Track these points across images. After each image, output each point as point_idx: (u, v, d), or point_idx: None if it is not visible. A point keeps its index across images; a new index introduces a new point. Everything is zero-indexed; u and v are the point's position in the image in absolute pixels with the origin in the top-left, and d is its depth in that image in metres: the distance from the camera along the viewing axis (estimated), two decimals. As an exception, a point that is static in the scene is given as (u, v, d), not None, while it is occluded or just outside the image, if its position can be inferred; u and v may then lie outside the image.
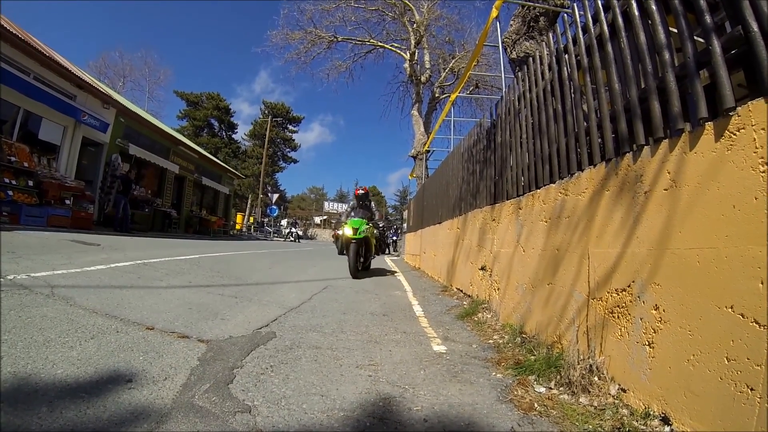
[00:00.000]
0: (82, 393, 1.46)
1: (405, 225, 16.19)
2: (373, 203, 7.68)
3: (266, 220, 34.99)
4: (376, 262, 11.53)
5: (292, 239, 25.43)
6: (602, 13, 2.26)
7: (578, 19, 2.56)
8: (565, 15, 4.23)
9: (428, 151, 14.65)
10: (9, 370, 1.57)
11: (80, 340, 2.01)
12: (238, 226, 29.91)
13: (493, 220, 4.01)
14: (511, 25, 5.31)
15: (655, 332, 1.61)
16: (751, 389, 1.18)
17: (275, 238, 27.18)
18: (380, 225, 6.97)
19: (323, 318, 3.25)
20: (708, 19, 1.53)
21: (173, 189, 18.28)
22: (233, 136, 49.87)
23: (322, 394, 1.72)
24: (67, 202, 9.94)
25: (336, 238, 6.62)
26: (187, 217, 19.29)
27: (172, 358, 1.94)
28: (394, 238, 19.79)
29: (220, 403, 1.52)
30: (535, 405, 1.74)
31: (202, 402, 1.51)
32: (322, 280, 5.77)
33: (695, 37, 1.63)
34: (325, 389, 1.77)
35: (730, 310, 1.29)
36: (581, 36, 2.47)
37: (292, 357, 2.18)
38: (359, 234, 6.33)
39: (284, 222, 33.46)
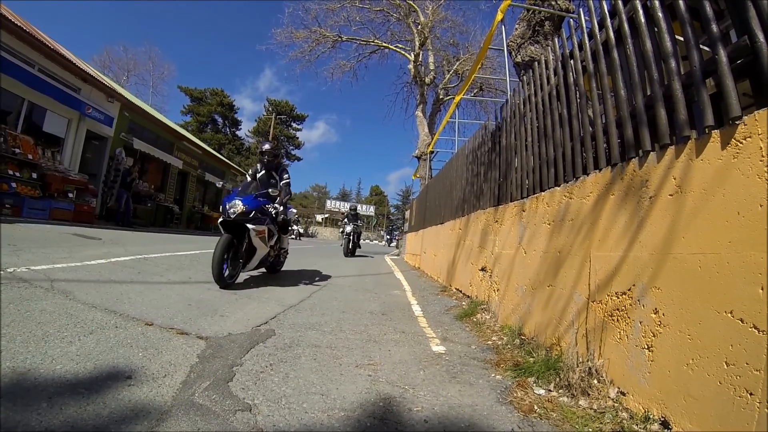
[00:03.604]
0: (81, 389, 1.47)
1: (407, 225, 16.18)
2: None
3: (267, 217, 34.96)
4: (376, 263, 11.49)
5: (293, 237, 25.48)
6: (608, 20, 2.26)
7: (584, 25, 2.55)
8: (571, 20, 4.23)
9: (432, 152, 14.64)
10: (8, 365, 1.57)
11: (79, 336, 2.02)
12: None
13: (496, 221, 4.01)
14: (516, 28, 5.31)
15: (654, 336, 1.61)
16: (751, 394, 1.19)
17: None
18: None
19: (322, 316, 3.25)
20: (714, 27, 1.53)
21: (176, 184, 18.30)
22: (237, 132, 50.00)
23: (322, 393, 1.72)
24: (70, 195, 9.95)
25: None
26: (189, 213, 19.31)
27: (171, 355, 1.94)
28: (388, 237, 20.44)
29: (220, 402, 1.52)
30: (535, 407, 1.74)
31: (202, 400, 1.51)
32: (322, 278, 5.77)
33: (701, 46, 1.63)
34: (325, 388, 1.78)
35: (729, 315, 1.30)
36: (587, 41, 2.47)
37: (292, 355, 2.18)
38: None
39: (285, 219, 33.54)
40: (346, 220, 12.72)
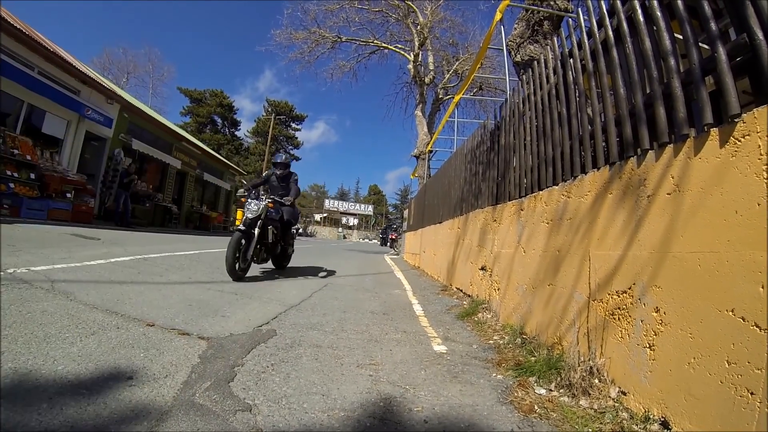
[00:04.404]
0: (82, 390, 1.47)
1: (405, 224, 16.18)
2: None
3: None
4: (376, 261, 11.48)
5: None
6: (607, 19, 2.26)
7: (583, 24, 2.56)
8: (570, 20, 4.23)
9: (431, 151, 14.65)
10: (9, 366, 1.57)
11: (81, 336, 2.02)
12: (237, 223, 29.93)
13: (495, 220, 4.02)
14: (515, 28, 5.31)
15: (655, 335, 1.61)
16: (752, 393, 1.18)
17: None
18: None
19: (324, 316, 3.25)
20: (713, 26, 1.54)
21: (175, 184, 18.30)
22: (236, 133, 50.06)
23: (322, 393, 1.72)
24: (68, 195, 9.94)
25: None
26: (188, 213, 19.31)
27: (172, 356, 1.94)
28: (383, 236, 20.03)
29: (220, 402, 1.52)
30: (536, 407, 1.74)
31: (202, 400, 1.51)
32: (322, 278, 5.77)
33: (700, 44, 1.63)
34: (325, 388, 1.78)
35: (730, 313, 1.30)
36: (586, 41, 2.47)
37: (293, 355, 2.18)
38: None
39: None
40: (263, 187, 5.92)
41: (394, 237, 21.67)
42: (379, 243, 31.92)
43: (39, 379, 1.50)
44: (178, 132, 19.41)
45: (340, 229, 56.16)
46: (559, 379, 1.94)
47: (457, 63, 16.77)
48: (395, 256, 14.97)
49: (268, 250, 5.38)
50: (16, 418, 1.23)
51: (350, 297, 4.41)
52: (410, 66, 16.00)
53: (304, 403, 1.60)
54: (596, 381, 1.84)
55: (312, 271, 6.46)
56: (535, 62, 3.29)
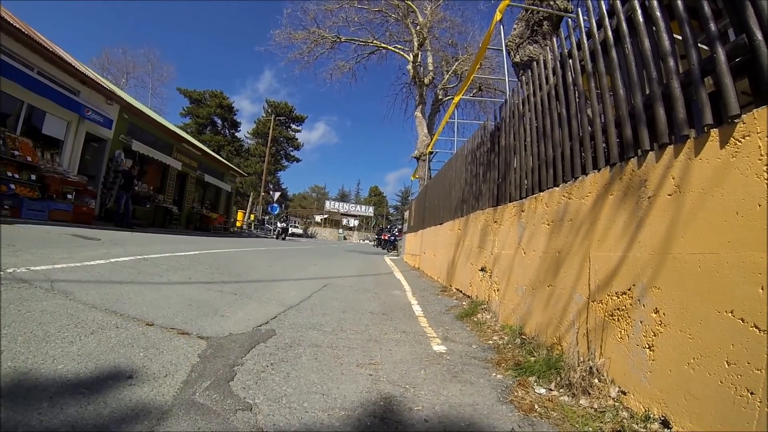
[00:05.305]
0: (82, 389, 1.47)
1: (405, 225, 16.19)
2: None
3: (267, 218, 34.95)
4: (375, 262, 11.48)
5: (282, 236, 23.09)
6: (606, 19, 2.27)
7: (582, 24, 2.56)
8: (569, 20, 4.24)
9: (431, 153, 14.67)
10: (9, 365, 1.57)
11: (80, 336, 2.01)
12: (238, 224, 29.92)
13: (495, 222, 4.02)
14: (515, 28, 5.32)
15: (655, 335, 1.62)
16: (751, 393, 1.19)
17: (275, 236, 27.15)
18: None
19: (323, 316, 3.25)
20: (712, 26, 1.54)
21: (175, 185, 18.30)
22: (236, 134, 50.08)
23: (322, 392, 1.72)
24: (69, 196, 9.94)
25: None
26: (188, 214, 19.31)
27: (172, 355, 1.94)
28: (377, 237, 20.47)
29: (221, 401, 1.52)
30: (536, 406, 1.74)
31: (203, 399, 1.51)
32: (322, 279, 5.77)
33: (700, 45, 1.63)
34: (325, 388, 1.78)
35: (730, 314, 1.30)
36: (585, 41, 2.48)
37: (293, 355, 2.18)
38: None
39: (284, 219, 33.42)
40: None
41: (385, 237, 22.35)
42: (375, 244, 32.82)
43: (39, 378, 1.50)
44: (179, 133, 19.41)
45: (341, 231, 56.23)
46: (558, 378, 1.94)
47: (456, 63, 16.81)
48: (395, 257, 14.98)
49: None
50: (17, 417, 1.23)
51: (350, 297, 4.41)
52: (410, 66, 16.03)
53: (305, 402, 1.60)
54: (596, 381, 1.84)
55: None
56: (535, 63, 3.30)
